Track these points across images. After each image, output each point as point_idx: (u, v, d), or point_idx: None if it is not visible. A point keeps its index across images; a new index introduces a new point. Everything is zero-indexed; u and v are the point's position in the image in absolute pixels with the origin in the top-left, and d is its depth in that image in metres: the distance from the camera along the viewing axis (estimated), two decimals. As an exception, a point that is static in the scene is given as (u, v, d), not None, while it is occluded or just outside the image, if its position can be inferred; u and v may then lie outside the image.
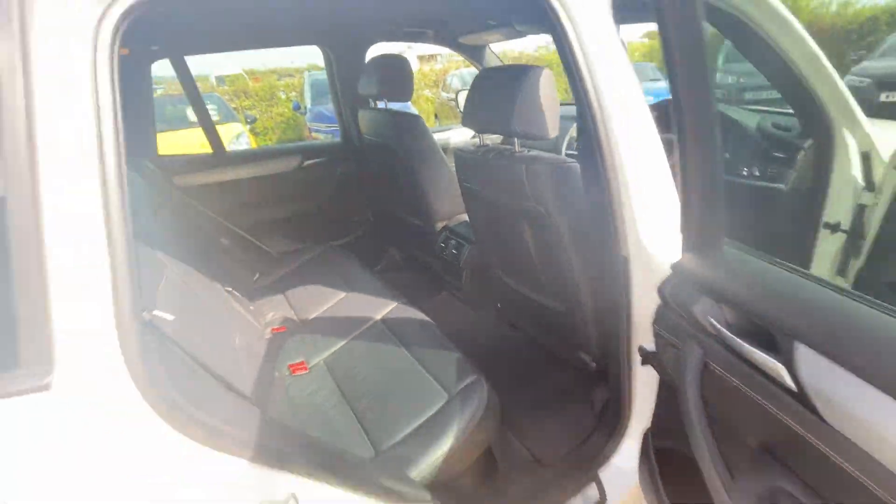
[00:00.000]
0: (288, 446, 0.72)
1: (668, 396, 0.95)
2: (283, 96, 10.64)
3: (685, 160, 0.71)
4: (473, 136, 1.91)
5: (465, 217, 1.87)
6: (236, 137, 6.22)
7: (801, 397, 0.55)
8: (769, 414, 0.60)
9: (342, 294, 1.72)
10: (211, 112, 3.45)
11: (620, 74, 0.91)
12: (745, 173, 1.66)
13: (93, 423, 0.51)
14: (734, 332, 0.64)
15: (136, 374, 0.53)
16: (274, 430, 0.72)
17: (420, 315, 1.52)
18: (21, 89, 0.46)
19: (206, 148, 2.24)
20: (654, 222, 0.91)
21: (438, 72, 11.61)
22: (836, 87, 1.39)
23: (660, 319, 0.86)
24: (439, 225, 2.01)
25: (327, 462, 0.77)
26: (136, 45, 1.82)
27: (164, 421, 0.55)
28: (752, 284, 0.66)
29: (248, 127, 6.85)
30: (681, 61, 0.62)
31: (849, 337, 0.53)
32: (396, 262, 2.50)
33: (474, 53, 2.36)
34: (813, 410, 0.54)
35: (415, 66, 12.36)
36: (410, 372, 1.27)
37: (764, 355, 0.58)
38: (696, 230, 0.75)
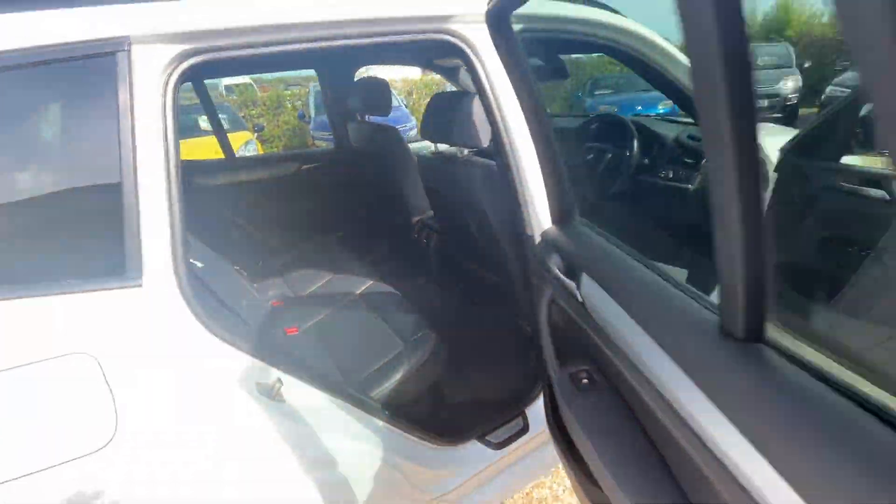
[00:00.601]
0: (277, 353, 1.08)
1: None
2: (290, 105, 10.97)
3: (541, 163, 1.07)
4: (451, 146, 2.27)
5: None
6: (244, 144, 6.68)
7: (583, 305, 0.90)
8: (575, 320, 0.94)
9: (330, 275, 2.08)
10: (221, 121, 3.82)
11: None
12: (661, 175, 2.01)
13: (159, 306, 0.87)
14: (563, 273, 0.99)
15: (182, 287, 0.89)
16: (270, 342, 1.08)
17: (390, 289, 1.87)
18: (130, 119, 0.83)
19: (211, 154, 2.59)
20: (545, 208, 1.25)
21: (439, 81, 11.91)
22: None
23: (534, 274, 1.21)
24: (415, 219, 2.37)
25: (303, 367, 1.12)
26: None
27: (195, 318, 0.90)
28: (576, 243, 1.01)
29: (255, 135, 7.28)
30: (522, 95, 0.97)
31: (601, 267, 0.88)
32: (383, 254, 2.86)
33: (449, 73, 2.73)
34: (587, 310, 0.89)
35: (416, 74, 12.67)
36: (377, 330, 1.63)
37: (569, 281, 0.93)
38: (555, 209, 1.10)
